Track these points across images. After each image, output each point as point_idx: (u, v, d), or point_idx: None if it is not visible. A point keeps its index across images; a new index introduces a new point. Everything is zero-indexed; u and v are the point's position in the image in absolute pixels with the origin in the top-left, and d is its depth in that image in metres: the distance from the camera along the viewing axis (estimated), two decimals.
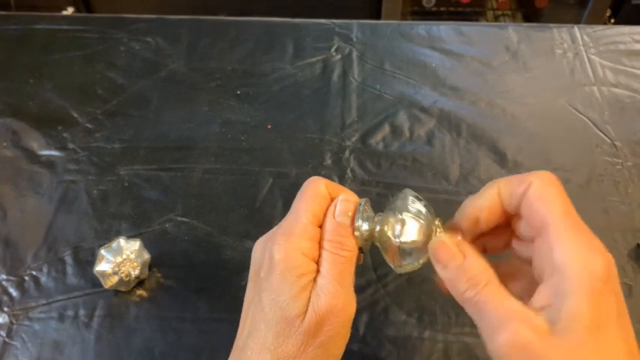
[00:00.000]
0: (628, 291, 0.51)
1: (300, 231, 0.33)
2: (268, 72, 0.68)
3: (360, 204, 0.35)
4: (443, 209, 0.56)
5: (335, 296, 0.32)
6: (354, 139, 0.62)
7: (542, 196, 0.29)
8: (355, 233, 0.34)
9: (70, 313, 0.49)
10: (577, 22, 1.37)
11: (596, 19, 1.37)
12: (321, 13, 0.80)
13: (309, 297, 0.32)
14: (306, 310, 0.31)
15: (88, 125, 0.63)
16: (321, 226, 0.34)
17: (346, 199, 0.34)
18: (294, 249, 0.32)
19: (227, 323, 0.49)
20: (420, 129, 0.63)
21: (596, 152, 0.61)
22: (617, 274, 0.27)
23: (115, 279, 0.49)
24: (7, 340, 0.48)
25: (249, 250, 0.53)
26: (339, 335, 0.32)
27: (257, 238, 0.53)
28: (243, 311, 0.34)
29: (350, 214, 0.34)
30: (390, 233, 0.33)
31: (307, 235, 0.33)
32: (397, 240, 0.33)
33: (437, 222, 0.34)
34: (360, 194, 0.57)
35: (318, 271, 0.33)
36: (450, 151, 0.61)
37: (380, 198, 0.57)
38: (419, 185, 0.58)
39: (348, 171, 0.59)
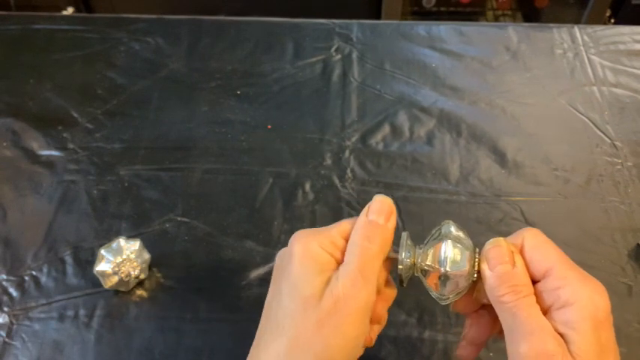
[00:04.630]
0: (628, 291, 0.51)
1: (323, 231, 0.34)
2: (268, 72, 0.68)
3: (403, 237, 0.35)
4: (443, 209, 0.57)
5: (353, 282, 0.32)
6: (354, 139, 0.62)
7: (537, 246, 0.33)
8: (399, 266, 0.34)
9: (70, 313, 0.49)
10: (577, 22, 1.37)
11: (596, 19, 1.37)
12: (321, 13, 0.80)
13: (327, 282, 0.32)
14: (323, 291, 0.32)
15: (88, 125, 0.63)
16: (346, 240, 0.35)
17: (381, 199, 0.35)
18: (313, 241, 0.33)
19: (227, 323, 0.49)
20: (420, 129, 0.63)
21: (596, 152, 0.61)
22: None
23: (115, 279, 0.49)
24: (7, 340, 0.48)
25: (249, 250, 0.53)
26: (357, 320, 0.32)
27: (257, 238, 0.54)
28: (264, 309, 0.35)
29: (384, 214, 0.34)
30: (435, 263, 0.34)
31: (329, 236, 0.34)
32: (443, 268, 0.33)
33: (477, 250, 0.34)
34: (360, 194, 0.57)
35: (340, 263, 0.33)
36: (450, 151, 0.61)
37: None
38: (419, 185, 0.58)
39: (348, 171, 0.59)
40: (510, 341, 0.31)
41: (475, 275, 0.34)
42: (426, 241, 0.36)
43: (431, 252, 0.34)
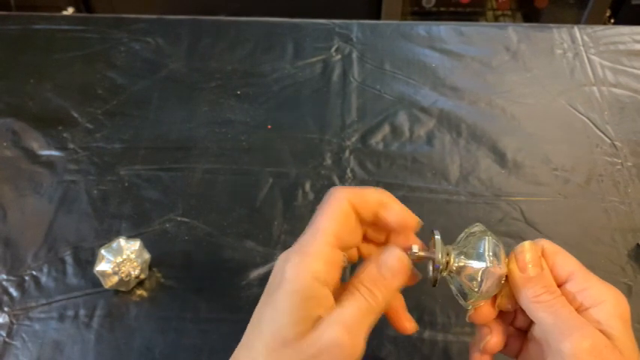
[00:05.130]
0: (628, 291, 0.51)
1: (316, 252, 0.32)
2: (268, 72, 0.68)
3: (437, 236, 0.35)
4: (443, 209, 0.57)
5: (347, 331, 0.30)
6: (354, 139, 0.62)
7: (557, 252, 0.35)
8: (436, 266, 0.34)
9: (70, 313, 0.49)
10: (577, 22, 1.37)
11: (596, 19, 1.37)
12: (321, 13, 0.80)
13: (313, 322, 0.30)
14: (306, 333, 0.30)
15: (88, 125, 0.63)
16: (342, 248, 0.33)
17: (397, 257, 0.33)
18: (306, 270, 0.31)
19: (227, 323, 0.49)
20: (420, 129, 0.63)
21: (596, 152, 0.61)
22: None
23: (115, 279, 0.49)
24: (7, 340, 0.48)
25: (249, 250, 0.53)
26: None
27: (257, 238, 0.54)
28: (253, 315, 0.33)
29: (396, 271, 0.33)
30: (476, 259, 0.34)
31: (323, 258, 0.32)
32: (485, 264, 0.33)
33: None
34: None
35: (336, 300, 0.32)
36: (450, 151, 0.61)
37: None
38: (419, 185, 0.58)
39: (348, 171, 0.59)
40: (553, 340, 0.32)
41: (504, 278, 0.34)
42: (458, 240, 0.36)
43: (470, 249, 0.34)
